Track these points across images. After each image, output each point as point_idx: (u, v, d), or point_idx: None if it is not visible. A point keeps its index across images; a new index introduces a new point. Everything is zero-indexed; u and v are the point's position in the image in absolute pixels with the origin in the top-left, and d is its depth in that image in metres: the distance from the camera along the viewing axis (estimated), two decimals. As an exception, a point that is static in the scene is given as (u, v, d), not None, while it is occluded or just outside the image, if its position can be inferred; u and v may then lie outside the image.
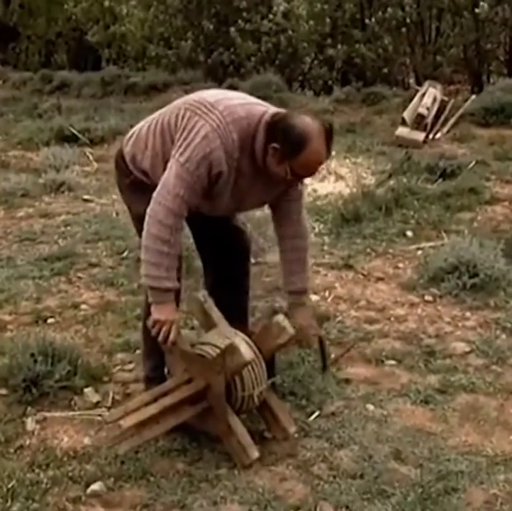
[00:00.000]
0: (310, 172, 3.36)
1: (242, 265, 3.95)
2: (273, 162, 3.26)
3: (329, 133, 3.22)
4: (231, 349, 3.24)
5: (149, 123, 3.54)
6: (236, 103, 3.30)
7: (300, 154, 3.18)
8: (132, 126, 8.10)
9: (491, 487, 3.14)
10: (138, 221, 3.55)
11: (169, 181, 3.26)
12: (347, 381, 4.02)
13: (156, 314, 3.39)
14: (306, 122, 3.21)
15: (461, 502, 3.07)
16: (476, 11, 11.88)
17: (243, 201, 3.53)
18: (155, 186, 3.34)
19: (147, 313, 3.53)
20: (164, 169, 3.34)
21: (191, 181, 3.23)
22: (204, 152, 3.18)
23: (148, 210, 3.30)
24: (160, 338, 3.40)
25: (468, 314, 4.74)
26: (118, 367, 4.22)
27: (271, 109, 3.34)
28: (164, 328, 3.39)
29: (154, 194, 3.29)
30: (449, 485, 3.15)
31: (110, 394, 3.94)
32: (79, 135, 10.14)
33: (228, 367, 3.26)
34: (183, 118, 3.29)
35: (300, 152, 3.17)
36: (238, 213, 3.86)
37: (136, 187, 3.59)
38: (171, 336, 3.39)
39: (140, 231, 3.51)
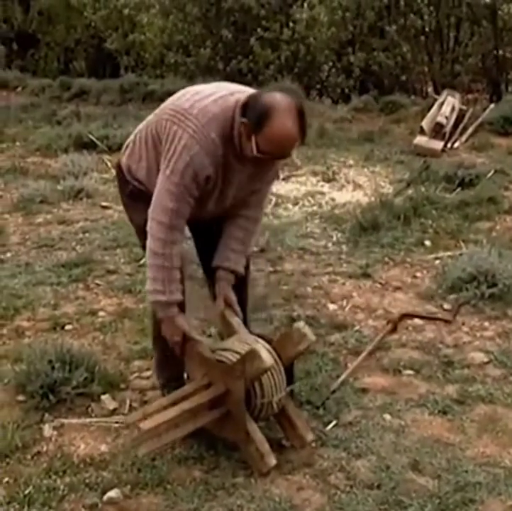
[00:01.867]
0: (278, 150, 3.23)
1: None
2: (244, 140, 3.24)
3: (300, 112, 3.17)
4: (252, 355, 3.24)
5: (139, 132, 3.57)
6: (210, 100, 3.28)
7: (264, 127, 3.13)
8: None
9: (508, 499, 3.13)
10: (140, 231, 3.64)
11: (159, 195, 3.31)
12: (365, 391, 4.01)
13: (164, 329, 3.50)
14: (273, 96, 3.18)
15: (479, 513, 3.06)
16: (499, 13, 11.86)
17: (233, 195, 3.51)
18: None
19: (156, 325, 3.63)
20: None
21: (178, 192, 3.27)
22: (185, 161, 3.22)
23: (147, 228, 3.38)
24: (175, 351, 3.53)
25: (486, 323, 4.72)
26: (136, 375, 4.23)
27: (248, 93, 3.34)
28: (175, 342, 3.50)
29: (149, 211, 3.35)
30: (466, 497, 3.14)
31: (128, 402, 3.94)
32: (98, 142, 10.17)
33: (248, 373, 3.26)
34: (164, 128, 3.31)
35: (263, 124, 3.13)
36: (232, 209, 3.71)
37: (135, 196, 3.62)
38: (182, 349, 3.52)
39: (142, 241, 3.60)
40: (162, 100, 12.26)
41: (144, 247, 3.56)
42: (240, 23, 14.33)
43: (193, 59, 14.76)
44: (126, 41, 16.40)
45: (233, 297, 3.67)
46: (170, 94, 12.24)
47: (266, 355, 3.25)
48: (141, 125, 3.62)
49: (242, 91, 3.37)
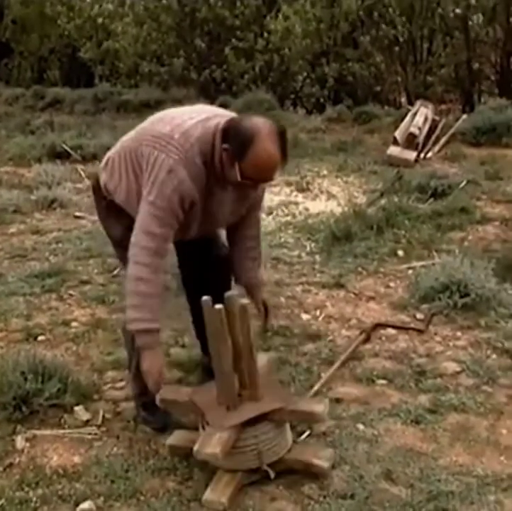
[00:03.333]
0: (262, 176, 3.26)
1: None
2: (227, 166, 3.25)
3: (282, 136, 3.20)
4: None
5: (118, 153, 3.55)
6: (190, 124, 3.30)
7: (247, 153, 3.14)
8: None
9: (481, 508, 3.14)
10: (117, 243, 3.67)
11: (143, 222, 3.28)
12: (338, 400, 4.01)
13: (145, 362, 3.38)
14: (254, 122, 3.19)
15: (451, 522, 3.07)
16: (470, 23, 11.96)
17: (217, 219, 3.56)
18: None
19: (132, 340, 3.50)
20: (138, 201, 3.36)
21: (164, 216, 3.26)
22: (173, 185, 3.21)
23: (129, 255, 3.32)
24: (151, 387, 3.44)
25: (459, 333, 4.74)
26: (109, 385, 4.22)
27: (227, 117, 3.35)
28: (154, 379, 3.40)
29: (132, 239, 3.31)
30: (439, 506, 3.14)
31: (101, 413, 3.94)
32: (71, 152, 10.15)
33: None
34: (144, 155, 3.31)
35: (247, 150, 3.13)
36: (216, 232, 3.90)
37: (112, 210, 3.61)
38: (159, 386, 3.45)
39: (119, 254, 3.64)
40: (136, 110, 12.27)
41: (122, 259, 3.57)
42: (214, 33, 14.38)
43: (167, 68, 14.77)
44: (100, 50, 16.39)
45: (267, 303, 3.96)
46: (144, 103, 12.23)
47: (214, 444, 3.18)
48: (118, 146, 3.62)
49: (221, 115, 3.38)
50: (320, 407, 3.40)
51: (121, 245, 3.52)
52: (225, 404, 3.29)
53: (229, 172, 3.26)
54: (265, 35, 13.29)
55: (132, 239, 3.31)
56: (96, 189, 3.69)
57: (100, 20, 15.30)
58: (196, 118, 3.35)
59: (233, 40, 13.61)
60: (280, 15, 12.97)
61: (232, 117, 3.34)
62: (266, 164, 3.18)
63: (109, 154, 3.66)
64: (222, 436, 3.16)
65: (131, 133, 3.61)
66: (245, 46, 13.69)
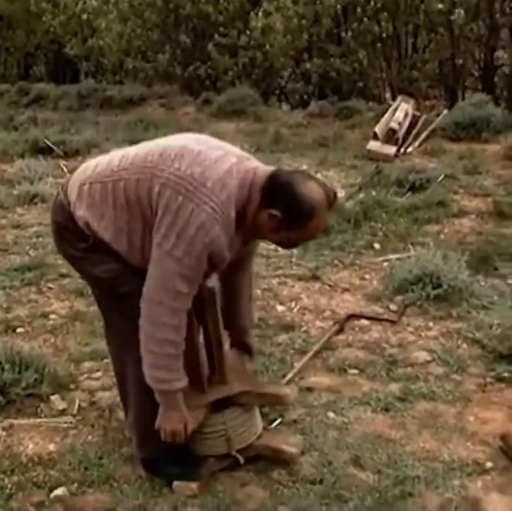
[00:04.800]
0: (304, 242, 3.13)
1: None
2: (267, 229, 2.95)
3: (333, 202, 2.95)
4: None
5: (104, 183, 3.02)
6: (223, 170, 2.87)
7: (303, 227, 2.90)
8: (107, 139, 8.23)
9: (446, 492, 3.21)
10: (95, 283, 3.24)
11: (165, 278, 2.87)
12: (310, 389, 4.07)
13: (165, 422, 3.11)
14: (314, 193, 2.87)
15: (416, 506, 3.13)
16: (452, 17, 12.01)
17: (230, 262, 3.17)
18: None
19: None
20: (130, 242, 3.00)
21: (192, 275, 2.89)
22: (203, 243, 2.81)
23: (144, 310, 2.93)
24: (176, 439, 3.16)
25: (431, 324, 4.82)
26: (86, 376, 4.27)
27: (257, 164, 3.02)
28: (181, 438, 3.14)
29: (147, 291, 2.92)
30: (405, 490, 3.21)
31: (77, 402, 3.98)
32: (54, 148, 10.18)
33: None
34: (161, 195, 2.85)
35: (302, 225, 2.90)
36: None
37: (99, 247, 3.06)
38: (180, 440, 3.17)
39: (102, 295, 3.25)
40: (120, 106, 12.16)
41: (100, 303, 3.28)
42: (198, 29, 14.41)
43: (151, 64, 14.80)
44: (85, 47, 16.41)
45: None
46: (128, 99, 12.15)
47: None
48: (99, 174, 3.06)
49: (246, 158, 3.02)
50: (287, 391, 3.48)
51: (101, 285, 3.17)
52: (193, 387, 3.29)
53: (268, 235, 3.00)
54: (248, 31, 13.33)
55: (150, 293, 2.92)
56: (70, 228, 3.11)
57: (84, 16, 15.32)
58: (225, 160, 2.92)
59: (217, 36, 13.65)
60: (260, 13, 13.01)
61: (273, 174, 2.94)
62: (317, 234, 3.05)
63: (79, 181, 3.11)
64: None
65: (123, 161, 3.03)
66: (229, 42, 13.73)
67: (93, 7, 14.96)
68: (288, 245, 3.10)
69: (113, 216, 2.99)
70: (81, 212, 3.04)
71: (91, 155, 9.55)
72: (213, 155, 2.91)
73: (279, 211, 2.87)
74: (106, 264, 3.07)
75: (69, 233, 3.12)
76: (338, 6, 12.73)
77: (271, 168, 3.00)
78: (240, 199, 2.88)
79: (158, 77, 14.81)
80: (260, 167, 2.98)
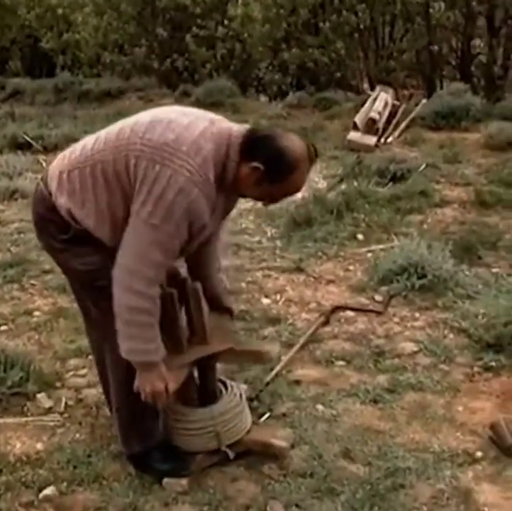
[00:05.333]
0: (286, 197, 3.04)
1: None
2: (249, 184, 2.92)
3: (313, 155, 2.93)
4: None
5: (81, 167, 2.98)
6: (197, 132, 2.84)
7: (284, 179, 2.89)
8: (85, 132, 8.12)
9: (437, 483, 3.23)
10: (78, 278, 3.19)
11: (140, 246, 2.82)
12: (298, 382, 4.08)
13: (144, 382, 3.03)
14: (296, 145, 2.88)
15: (408, 497, 3.14)
16: (431, 11, 12.03)
17: (210, 233, 3.14)
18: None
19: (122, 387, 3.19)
20: (113, 225, 2.95)
21: (168, 243, 2.84)
22: (182, 209, 2.77)
23: (117, 278, 2.86)
24: (158, 400, 3.09)
25: (417, 314, 4.82)
26: (71, 373, 4.26)
27: (231, 124, 2.99)
28: (157, 391, 3.03)
29: (121, 258, 2.85)
30: (397, 482, 3.22)
31: (63, 400, 3.97)
32: (33, 143, 10.12)
33: None
34: (138, 166, 2.81)
35: (287, 177, 2.89)
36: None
37: (78, 240, 3.02)
38: (162, 402, 3.11)
39: (83, 291, 3.21)
40: (97, 99, 12.08)
41: (93, 303, 3.18)
42: (176, 21, 14.35)
43: (129, 58, 14.73)
44: (61, 40, 16.31)
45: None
46: (106, 93, 12.10)
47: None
48: (79, 156, 3.01)
49: (219, 120, 3.00)
50: (267, 347, 3.49)
51: (84, 280, 3.12)
52: (174, 349, 3.21)
53: (250, 190, 2.97)
54: (226, 22, 13.29)
55: (124, 261, 2.85)
56: (53, 219, 3.06)
57: (60, 10, 15.22)
58: (197, 124, 2.89)
59: (194, 28, 13.60)
60: (240, 1, 12.98)
61: (250, 130, 2.94)
62: (300, 189, 3.01)
63: (58, 169, 3.05)
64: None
65: (96, 143, 2.99)
66: (206, 34, 13.68)
67: (69, 1, 14.89)
68: (269, 200, 3.05)
69: (93, 200, 2.95)
70: (62, 200, 3.00)
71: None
72: (184, 121, 2.89)
73: (261, 164, 2.86)
74: (85, 257, 3.04)
75: (50, 224, 3.08)
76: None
77: (245, 126, 2.99)
78: (218, 160, 2.87)
79: (135, 70, 14.75)
80: (235, 126, 2.97)
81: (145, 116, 2.98)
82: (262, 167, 2.86)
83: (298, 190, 3.02)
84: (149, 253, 2.81)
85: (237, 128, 2.94)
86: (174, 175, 2.75)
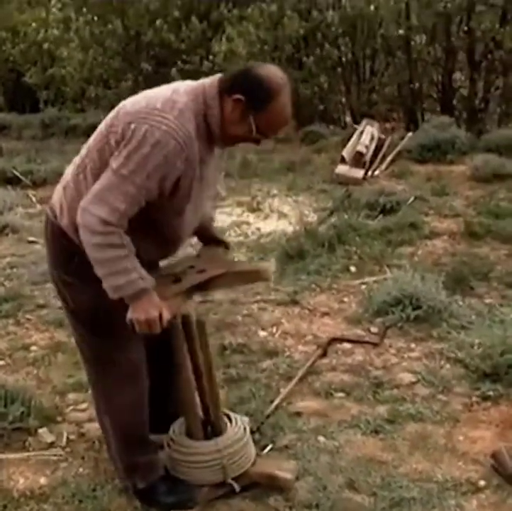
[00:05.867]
0: (275, 131, 2.95)
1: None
2: (234, 119, 2.88)
3: (292, 89, 2.94)
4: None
5: (73, 182, 3.04)
6: (170, 92, 2.88)
7: (268, 106, 2.84)
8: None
9: (442, 512, 3.26)
10: (85, 316, 3.19)
11: (103, 190, 2.81)
12: (298, 414, 4.10)
13: (137, 312, 2.93)
14: (272, 72, 2.89)
15: (414, 527, 3.17)
16: (412, 43, 12.21)
17: (205, 195, 3.14)
18: None
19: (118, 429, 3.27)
20: None
21: (135, 194, 2.82)
22: (157, 161, 2.77)
23: (80, 221, 2.84)
24: (152, 327, 2.96)
25: (413, 345, 4.87)
26: (71, 408, 4.26)
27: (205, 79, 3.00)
28: (152, 318, 2.92)
29: (84, 201, 2.84)
30: (402, 512, 3.25)
31: (65, 434, 3.97)
32: (22, 177, 10.14)
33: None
34: (115, 134, 2.86)
35: (269, 103, 2.84)
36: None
37: (83, 269, 2.96)
38: (156, 330, 2.96)
39: (89, 332, 3.23)
40: (85, 134, 12.14)
41: (85, 343, 3.28)
42: (160, 56, 14.45)
43: (114, 91, 14.80)
44: (45, 75, 16.36)
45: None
46: (93, 127, 12.08)
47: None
48: (68, 173, 3.11)
49: (190, 82, 3.00)
50: (265, 265, 3.43)
51: (92, 318, 3.14)
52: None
53: (236, 128, 2.90)
54: (211, 57, 13.39)
55: (85, 205, 2.82)
56: (61, 243, 3.11)
57: (45, 45, 15.29)
58: (170, 87, 2.93)
59: (179, 62, 13.70)
60: (223, 38, 13.09)
61: (225, 73, 2.98)
62: (285, 120, 2.93)
63: (57, 195, 3.13)
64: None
65: (82, 153, 3.08)
66: (191, 69, 13.77)
67: (55, 36, 14.95)
68: (259, 135, 2.93)
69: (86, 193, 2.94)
70: (65, 220, 3.06)
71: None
72: (155, 89, 2.96)
73: (242, 94, 2.85)
74: (90, 292, 3.02)
75: (59, 252, 3.14)
76: (301, 31, 12.82)
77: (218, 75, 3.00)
78: (197, 110, 2.87)
79: (121, 105, 14.80)
80: (208, 79, 2.97)
81: (128, 100, 3.00)
82: (243, 98, 2.85)
83: (285, 121, 2.95)
84: (110, 197, 2.79)
85: (211, 78, 2.96)
86: (150, 129, 2.76)
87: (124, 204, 2.80)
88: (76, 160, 3.10)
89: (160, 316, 2.93)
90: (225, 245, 3.57)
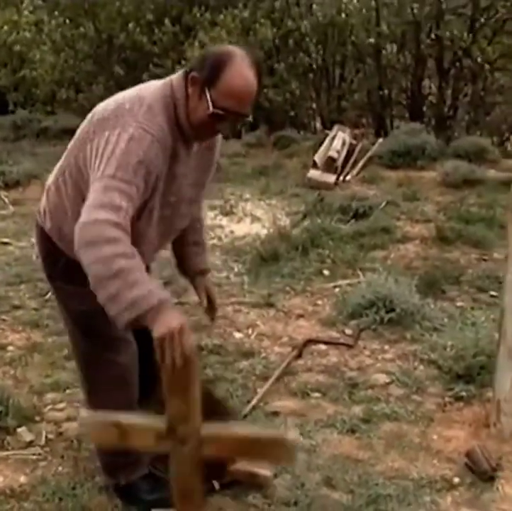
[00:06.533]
0: (237, 103, 2.78)
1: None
2: (195, 101, 2.81)
3: (255, 60, 2.82)
4: None
5: (54, 186, 3.06)
6: (135, 91, 2.88)
7: (220, 77, 2.74)
8: (47, 171, 8.14)
9: (418, 509, 3.33)
10: (75, 321, 3.20)
11: (97, 197, 2.62)
12: (275, 414, 4.15)
13: (158, 329, 2.44)
14: (226, 47, 2.88)
15: (391, 523, 3.24)
16: (383, 52, 12.31)
17: (181, 195, 3.01)
18: None
19: None
20: None
21: (128, 190, 2.65)
22: (137, 155, 2.68)
23: (79, 237, 2.58)
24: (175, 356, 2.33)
25: (386, 347, 4.94)
26: (50, 407, 4.26)
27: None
28: (175, 343, 2.38)
29: (81, 217, 2.60)
30: (379, 509, 3.32)
31: (43, 434, 3.98)
32: (-6, 179, 10.10)
33: None
34: (92, 143, 2.78)
35: (220, 74, 2.74)
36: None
37: (70, 273, 2.93)
38: (188, 345, 2.38)
39: (77, 333, 3.23)
40: (56, 137, 12.01)
41: (76, 343, 3.28)
42: (132, 60, 14.43)
43: (85, 95, 14.76)
44: (15, 77, 16.28)
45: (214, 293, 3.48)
46: (65, 130, 12.04)
47: None
48: (50, 182, 3.12)
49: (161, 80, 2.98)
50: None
51: (80, 323, 3.15)
52: None
53: (197, 109, 2.81)
54: (183, 62, 13.40)
55: (84, 219, 2.59)
56: (47, 247, 3.13)
57: (17, 47, 15.21)
58: (135, 87, 2.93)
59: (151, 66, 13.70)
60: (196, 42, 13.10)
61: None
62: (242, 88, 2.75)
63: (42, 202, 3.16)
64: None
65: (63, 156, 3.08)
66: (163, 73, 13.76)
67: (26, 39, 14.87)
68: (215, 108, 2.77)
69: (71, 204, 2.95)
70: (48, 224, 3.08)
71: (32, 187, 9.54)
72: (121, 94, 2.93)
73: (196, 71, 2.79)
74: (79, 296, 2.99)
75: (45, 254, 3.18)
76: (274, 39, 12.89)
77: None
78: (166, 103, 2.82)
79: (92, 107, 14.70)
80: (176, 74, 2.94)
81: (97, 107, 2.98)
82: (197, 75, 2.78)
83: (241, 91, 2.77)
84: (109, 199, 2.59)
85: (178, 72, 2.92)
86: (122, 131, 2.70)
87: (123, 201, 2.60)
88: (58, 164, 3.11)
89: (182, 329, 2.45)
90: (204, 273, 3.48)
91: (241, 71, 2.75)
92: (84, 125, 2.95)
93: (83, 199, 2.71)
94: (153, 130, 2.73)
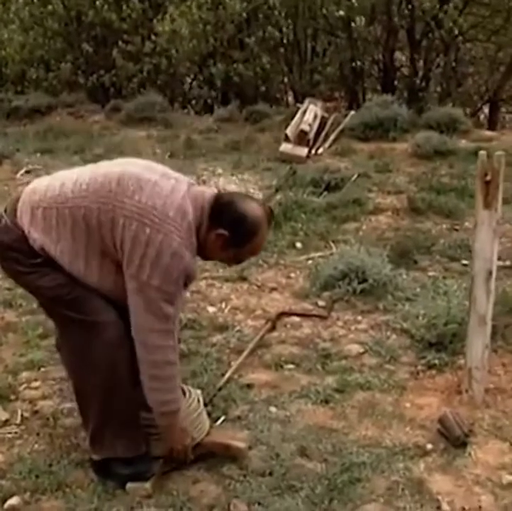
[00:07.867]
0: (250, 257, 3.41)
1: None
2: (216, 248, 3.16)
3: (270, 218, 3.22)
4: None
5: (59, 207, 3.13)
6: (178, 197, 3.04)
7: (248, 244, 3.14)
8: (18, 150, 7.99)
9: (391, 475, 3.37)
10: (49, 297, 3.27)
11: (151, 305, 3.03)
12: (249, 386, 4.18)
13: (172, 441, 3.31)
14: (255, 211, 3.11)
15: (365, 490, 3.28)
16: (353, 25, 12.24)
17: None
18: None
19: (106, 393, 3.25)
20: (86, 263, 3.12)
21: (173, 299, 3.06)
22: (179, 270, 3.02)
23: (138, 339, 3.08)
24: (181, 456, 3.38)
25: (359, 317, 4.98)
26: (24, 386, 4.26)
27: (201, 188, 3.24)
28: (174, 457, 3.39)
29: (136, 321, 3.07)
30: (353, 476, 3.35)
31: (19, 412, 3.99)
32: (-36, 159, 10.02)
33: None
34: (126, 228, 2.99)
35: (248, 242, 3.14)
36: None
37: (47, 263, 3.17)
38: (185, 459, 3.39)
39: (53, 308, 3.31)
40: (27, 116, 11.88)
41: (54, 316, 3.39)
42: (101, 36, 14.32)
43: (55, 73, 14.63)
44: (-16, 57, 16.12)
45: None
46: (35, 109, 11.92)
47: None
48: (45, 198, 3.17)
49: (192, 183, 3.20)
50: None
51: (54, 297, 3.22)
52: None
53: (216, 254, 3.23)
54: (153, 37, 13.32)
55: (141, 323, 3.06)
56: (22, 248, 3.19)
57: (-16, 28, 15.05)
58: (180, 187, 3.09)
59: (121, 43, 13.60)
60: (167, 17, 13.02)
61: (218, 195, 3.17)
62: (259, 249, 3.33)
63: (30, 205, 3.20)
64: None
65: (77, 185, 3.14)
66: (133, 49, 13.68)
67: (-6, 18, 14.74)
68: (235, 261, 3.37)
69: (70, 240, 3.12)
70: (36, 235, 3.15)
71: (2, 166, 9.47)
72: (168, 186, 3.07)
73: (226, 230, 3.08)
74: (52, 274, 3.17)
75: (16, 252, 3.21)
76: (243, 13, 12.81)
77: (213, 190, 3.21)
78: (197, 222, 3.07)
79: (62, 86, 14.64)
80: (206, 191, 3.17)
81: (130, 171, 3.12)
82: (227, 233, 3.08)
83: (260, 249, 3.35)
84: (161, 309, 3.03)
85: (208, 193, 3.15)
86: (166, 240, 2.96)
87: (171, 308, 3.07)
88: (67, 186, 3.17)
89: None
90: None
91: (264, 236, 3.19)
92: (112, 181, 3.08)
93: (101, 253, 3.09)
94: (191, 248, 3.05)
